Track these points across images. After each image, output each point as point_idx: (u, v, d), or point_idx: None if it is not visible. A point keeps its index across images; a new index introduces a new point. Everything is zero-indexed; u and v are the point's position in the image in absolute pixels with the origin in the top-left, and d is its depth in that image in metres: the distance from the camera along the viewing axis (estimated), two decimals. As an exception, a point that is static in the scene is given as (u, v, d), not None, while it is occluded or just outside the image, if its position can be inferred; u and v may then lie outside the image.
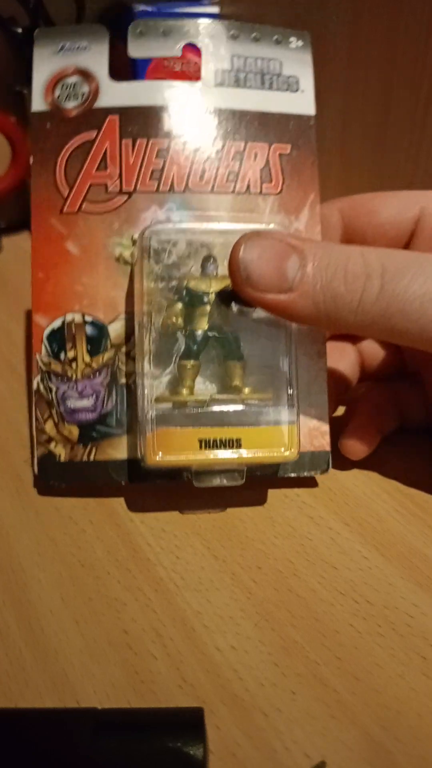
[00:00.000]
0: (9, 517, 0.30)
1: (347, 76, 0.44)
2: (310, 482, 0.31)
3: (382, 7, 0.40)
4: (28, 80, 0.31)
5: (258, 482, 0.30)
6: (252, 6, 0.50)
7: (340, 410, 0.35)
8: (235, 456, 0.27)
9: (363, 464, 0.32)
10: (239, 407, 0.28)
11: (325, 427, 0.30)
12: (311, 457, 0.30)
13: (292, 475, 0.30)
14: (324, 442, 0.30)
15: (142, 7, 0.50)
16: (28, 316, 0.44)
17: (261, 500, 0.30)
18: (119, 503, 0.30)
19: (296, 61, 0.32)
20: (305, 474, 0.30)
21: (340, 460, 0.31)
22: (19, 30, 0.49)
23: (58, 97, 0.30)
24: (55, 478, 0.30)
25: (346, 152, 0.46)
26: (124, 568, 0.27)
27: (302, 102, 0.32)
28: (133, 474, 0.30)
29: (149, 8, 0.50)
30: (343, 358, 0.34)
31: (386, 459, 0.32)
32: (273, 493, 0.31)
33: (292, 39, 0.32)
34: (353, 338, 0.35)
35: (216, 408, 0.28)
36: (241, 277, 0.26)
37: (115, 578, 0.27)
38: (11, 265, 0.52)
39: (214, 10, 0.53)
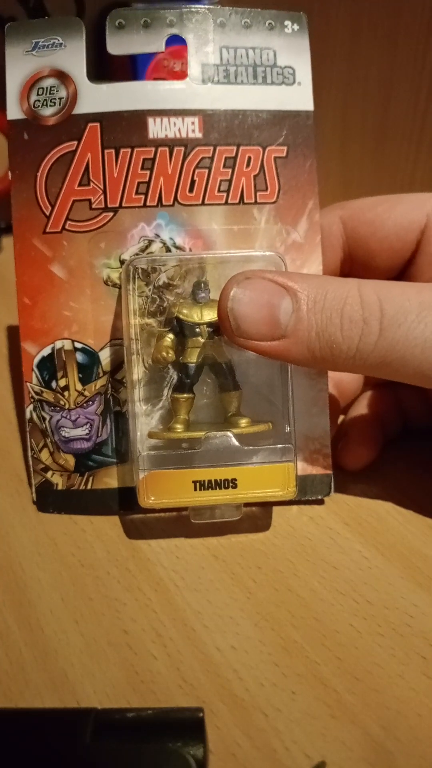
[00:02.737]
0: (9, 517, 0.30)
1: (347, 76, 0.44)
2: (316, 499, 0.31)
3: (383, 5, 0.40)
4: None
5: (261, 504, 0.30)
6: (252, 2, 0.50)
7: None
8: (230, 497, 0.27)
9: (363, 464, 0.32)
10: (235, 444, 0.27)
11: (327, 449, 0.30)
12: (313, 481, 0.30)
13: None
14: (326, 464, 0.30)
15: (140, 6, 0.50)
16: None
17: (266, 525, 0.29)
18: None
19: (292, 49, 0.29)
20: (306, 498, 0.30)
21: (340, 460, 0.31)
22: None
23: (35, 103, 0.28)
24: (53, 507, 0.30)
25: (345, 152, 0.46)
26: (124, 568, 0.27)
27: (299, 96, 0.29)
28: (129, 502, 0.29)
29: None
30: None
31: (386, 459, 0.32)
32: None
33: (287, 23, 0.29)
34: None
35: (211, 446, 0.27)
36: (231, 328, 0.25)
37: (115, 578, 0.27)
38: (11, 265, 0.52)
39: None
